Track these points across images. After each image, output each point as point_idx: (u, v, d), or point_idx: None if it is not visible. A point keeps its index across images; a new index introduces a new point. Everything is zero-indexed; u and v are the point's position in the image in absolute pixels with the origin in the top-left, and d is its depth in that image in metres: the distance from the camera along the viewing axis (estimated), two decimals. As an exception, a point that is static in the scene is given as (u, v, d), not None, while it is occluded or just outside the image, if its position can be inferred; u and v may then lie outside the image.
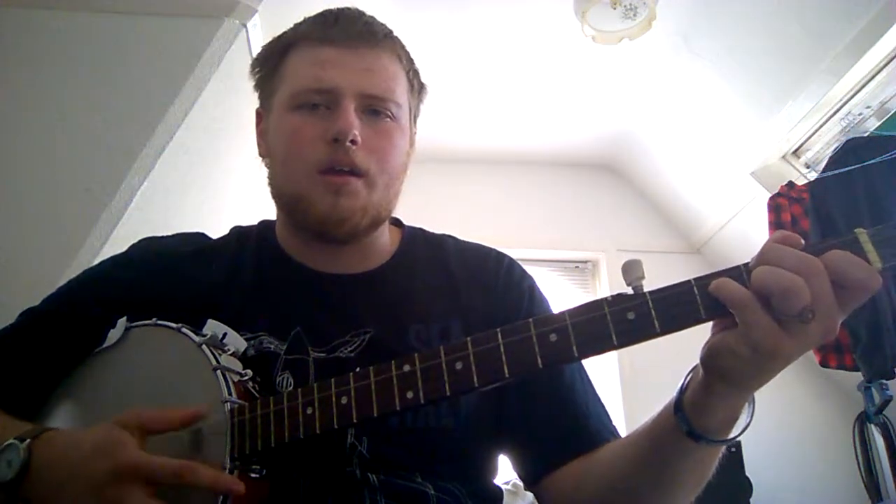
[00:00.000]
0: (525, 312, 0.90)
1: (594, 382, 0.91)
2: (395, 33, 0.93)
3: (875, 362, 2.27)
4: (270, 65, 0.91)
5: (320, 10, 0.92)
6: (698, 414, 0.62)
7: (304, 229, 0.88)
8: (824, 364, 2.44)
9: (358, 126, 0.83)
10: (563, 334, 0.60)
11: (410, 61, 0.94)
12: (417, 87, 0.96)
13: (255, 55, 0.95)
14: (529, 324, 0.62)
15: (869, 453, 2.51)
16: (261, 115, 0.95)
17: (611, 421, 0.87)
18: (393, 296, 0.89)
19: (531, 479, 0.85)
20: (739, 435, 0.64)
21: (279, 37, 0.92)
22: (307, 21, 0.90)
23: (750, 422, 0.63)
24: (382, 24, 0.91)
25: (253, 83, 0.95)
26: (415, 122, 0.98)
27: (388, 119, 0.87)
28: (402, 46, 0.93)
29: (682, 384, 0.64)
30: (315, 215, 0.83)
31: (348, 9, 0.90)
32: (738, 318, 0.55)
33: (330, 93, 0.84)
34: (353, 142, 0.82)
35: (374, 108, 0.86)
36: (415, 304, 0.88)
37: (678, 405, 0.64)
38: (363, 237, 0.89)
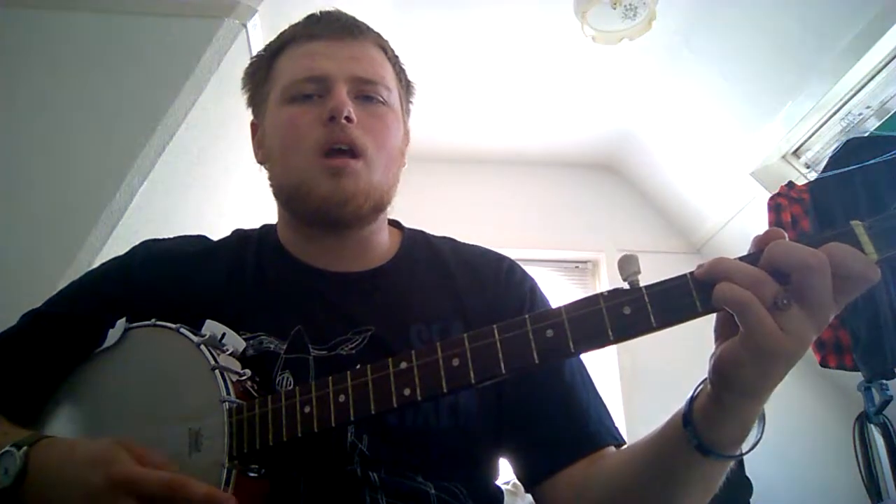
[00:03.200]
0: (527, 314, 0.90)
1: (595, 383, 0.91)
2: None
3: (875, 362, 2.27)
4: (261, 74, 0.94)
5: (318, 9, 0.94)
6: (709, 428, 0.61)
7: (306, 220, 0.89)
8: (824, 364, 2.44)
9: (352, 106, 0.85)
10: (560, 329, 0.60)
11: (396, 57, 0.97)
12: (405, 83, 0.99)
13: (244, 72, 0.98)
14: (525, 320, 0.62)
15: (869, 453, 2.51)
16: (255, 126, 0.97)
17: (613, 423, 0.87)
18: (394, 295, 0.90)
19: (530, 481, 0.85)
20: (749, 451, 0.63)
21: (266, 46, 0.96)
22: (291, 26, 0.94)
23: (760, 438, 0.62)
24: (364, 22, 0.94)
25: (246, 98, 0.98)
26: (406, 115, 0.99)
27: (381, 103, 0.90)
28: (387, 42, 0.96)
29: (691, 396, 0.64)
30: (317, 199, 0.84)
31: (329, 10, 0.94)
32: (739, 319, 0.55)
33: (322, 80, 0.87)
34: (349, 119, 0.84)
35: (366, 94, 0.89)
36: (416, 304, 0.88)
37: (687, 418, 0.63)
38: (365, 224, 0.90)
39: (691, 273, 0.58)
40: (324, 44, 0.89)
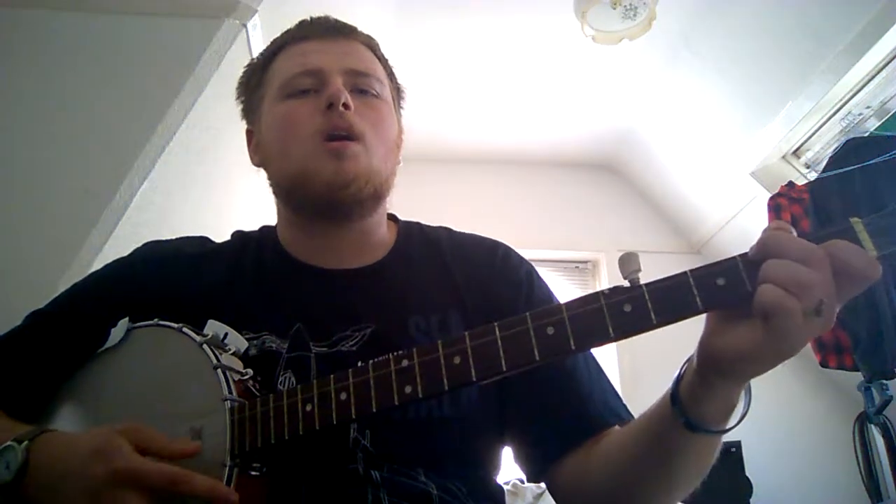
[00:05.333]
0: (525, 299, 0.91)
1: (599, 364, 0.91)
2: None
3: (875, 362, 2.27)
4: (255, 80, 0.96)
5: (318, 10, 0.97)
6: (695, 405, 0.62)
7: (307, 211, 0.90)
8: (824, 364, 2.44)
9: (348, 95, 0.87)
10: (560, 327, 0.60)
11: (385, 59, 0.99)
12: (396, 84, 1.01)
13: (238, 81, 0.99)
14: (526, 317, 0.62)
15: (869, 453, 2.51)
16: (251, 132, 0.98)
17: (619, 402, 0.87)
18: (392, 289, 0.90)
19: (535, 470, 0.85)
20: (737, 424, 0.64)
21: (258, 55, 0.98)
22: (283, 33, 0.96)
23: (747, 411, 0.63)
24: (354, 26, 0.98)
25: (240, 109, 0.99)
26: (399, 113, 1.00)
27: (374, 97, 0.92)
28: (377, 44, 0.99)
29: (678, 374, 0.65)
30: (320, 183, 0.85)
31: (319, 16, 0.97)
32: (778, 324, 0.54)
33: (317, 73, 0.89)
34: (346, 106, 0.86)
35: (360, 87, 0.91)
36: (414, 296, 0.89)
37: (674, 396, 0.64)
38: (365, 213, 0.90)
39: (691, 270, 0.58)
40: (316, 42, 0.92)
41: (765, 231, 0.57)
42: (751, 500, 2.64)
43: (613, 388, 0.89)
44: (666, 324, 0.58)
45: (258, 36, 1.65)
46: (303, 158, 0.86)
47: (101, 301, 0.88)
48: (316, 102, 0.87)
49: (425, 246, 0.97)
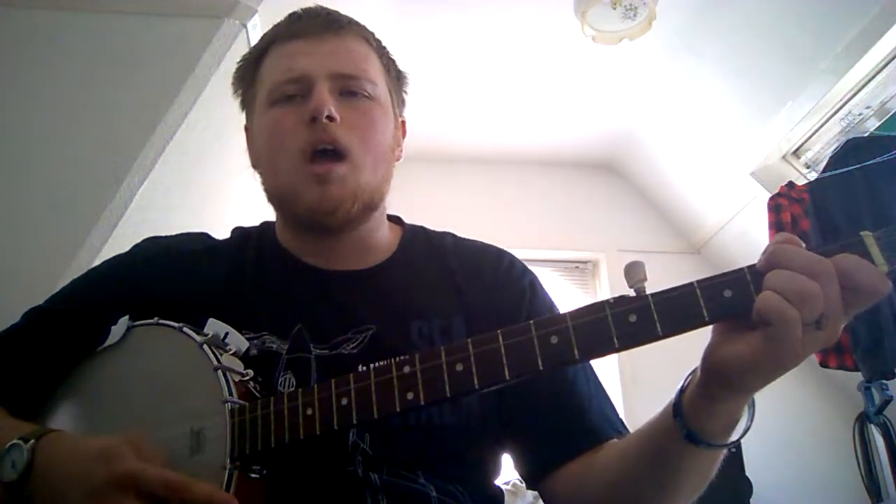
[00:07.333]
0: (527, 308, 0.90)
1: (598, 376, 0.91)
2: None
3: (875, 362, 2.27)
4: (248, 77, 0.94)
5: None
6: (698, 418, 0.62)
7: (298, 224, 0.89)
8: (824, 364, 2.44)
9: (334, 104, 0.84)
10: (565, 336, 0.60)
11: (382, 47, 0.95)
12: (395, 73, 0.97)
13: (234, 75, 0.97)
14: (530, 326, 0.62)
15: (869, 453, 2.51)
16: (248, 130, 0.97)
17: (616, 416, 0.87)
18: (394, 292, 0.89)
19: (533, 478, 0.85)
20: (739, 439, 0.63)
21: (251, 49, 0.95)
22: (274, 27, 0.93)
23: (750, 425, 0.63)
24: (346, 15, 0.93)
25: (238, 103, 0.98)
26: (400, 108, 0.98)
27: (366, 98, 0.88)
28: (371, 33, 0.94)
29: (681, 387, 0.64)
30: (304, 207, 0.84)
31: (311, 6, 0.93)
32: (776, 333, 0.53)
33: (302, 80, 0.85)
34: (330, 118, 0.82)
35: (350, 90, 0.87)
36: (416, 300, 0.88)
37: (677, 408, 0.63)
38: (358, 225, 0.89)
39: (698, 281, 0.57)
40: (304, 42, 0.88)
41: (773, 243, 0.57)
42: (751, 500, 2.64)
43: (612, 402, 0.89)
44: (672, 335, 0.57)
45: (258, 36, 1.65)
46: (288, 176, 0.85)
47: (101, 298, 0.87)
48: (301, 112, 0.84)
49: (429, 251, 0.96)
